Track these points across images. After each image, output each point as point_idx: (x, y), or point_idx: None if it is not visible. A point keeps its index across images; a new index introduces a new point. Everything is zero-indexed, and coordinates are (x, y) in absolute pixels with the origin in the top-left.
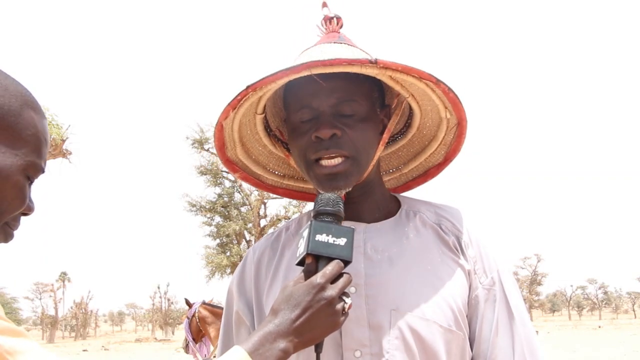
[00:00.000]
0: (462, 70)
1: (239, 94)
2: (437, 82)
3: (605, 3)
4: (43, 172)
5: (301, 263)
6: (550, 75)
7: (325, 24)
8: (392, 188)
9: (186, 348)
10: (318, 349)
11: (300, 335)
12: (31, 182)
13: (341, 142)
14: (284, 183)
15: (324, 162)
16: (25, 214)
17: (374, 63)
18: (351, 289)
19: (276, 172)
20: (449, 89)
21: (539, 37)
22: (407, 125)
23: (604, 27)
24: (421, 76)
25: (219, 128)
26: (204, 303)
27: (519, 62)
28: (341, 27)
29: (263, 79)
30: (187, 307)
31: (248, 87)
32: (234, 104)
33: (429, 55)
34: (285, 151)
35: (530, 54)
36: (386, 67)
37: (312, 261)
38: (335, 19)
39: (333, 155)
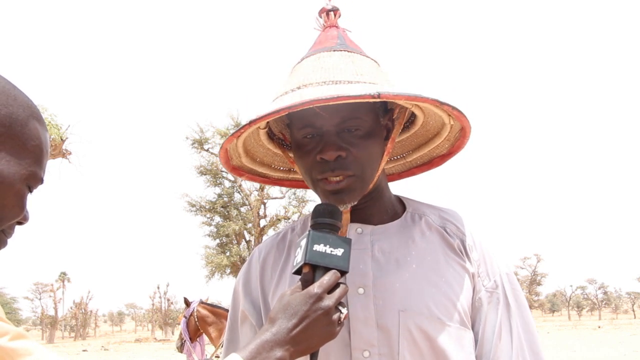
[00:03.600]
0: (464, 71)
1: (242, 127)
2: (442, 104)
3: (605, 3)
4: (42, 183)
5: (298, 272)
6: (553, 76)
7: (323, 17)
8: (397, 173)
9: (181, 347)
10: (313, 358)
11: (296, 344)
12: (30, 192)
13: (346, 163)
14: (289, 177)
15: (330, 179)
16: (20, 223)
17: (377, 97)
18: (359, 290)
19: (281, 168)
20: (453, 108)
21: (537, 37)
22: (411, 121)
23: (601, 27)
24: (425, 102)
25: (224, 150)
26: (201, 302)
27: (521, 62)
28: (339, 18)
29: (265, 115)
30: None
31: (251, 121)
32: (237, 135)
33: (429, 48)
34: (288, 154)
35: (539, 55)
36: (389, 99)
37: (309, 271)
38: (332, 11)
39: (338, 174)
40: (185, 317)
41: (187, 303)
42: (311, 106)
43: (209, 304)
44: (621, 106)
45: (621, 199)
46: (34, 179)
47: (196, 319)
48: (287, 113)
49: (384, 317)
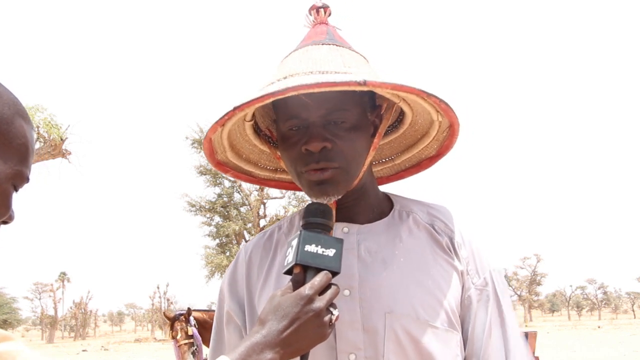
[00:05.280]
0: (461, 69)
1: (225, 114)
2: (429, 95)
3: (605, 3)
4: (28, 182)
5: (289, 272)
6: (553, 75)
7: (313, 14)
8: (385, 177)
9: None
10: None
11: (287, 346)
12: (16, 192)
13: (331, 155)
14: (275, 177)
15: (314, 170)
16: (5, 223)
17: (363, 84)
18: (345, 292)
19: (268, 167)
20: (440, 100)
21: (534, 35)
22: (399, 120)
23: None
24: (411, 92)
25: (208, 140)
26: (189, 309)
27: (521, 61)
28: (329, 15)
29: (249, 101)
30: (184, 310)
31: (235, 108)
32: (221, 123)
33: (423, 46)
34: (275, 151)
35: (539, 54)
36: (375, 87)
37: (301, 271)
38: (322, 8)
39: (323, 166)
40: (193, 326)
41: (190, 312)
42: (296, 93)
43: (201, 310)
44: (621, 106)
45: (621, 199)
46: (19, 178)
47: (196, 327)
48: (273, 105)
49: (370, 319)
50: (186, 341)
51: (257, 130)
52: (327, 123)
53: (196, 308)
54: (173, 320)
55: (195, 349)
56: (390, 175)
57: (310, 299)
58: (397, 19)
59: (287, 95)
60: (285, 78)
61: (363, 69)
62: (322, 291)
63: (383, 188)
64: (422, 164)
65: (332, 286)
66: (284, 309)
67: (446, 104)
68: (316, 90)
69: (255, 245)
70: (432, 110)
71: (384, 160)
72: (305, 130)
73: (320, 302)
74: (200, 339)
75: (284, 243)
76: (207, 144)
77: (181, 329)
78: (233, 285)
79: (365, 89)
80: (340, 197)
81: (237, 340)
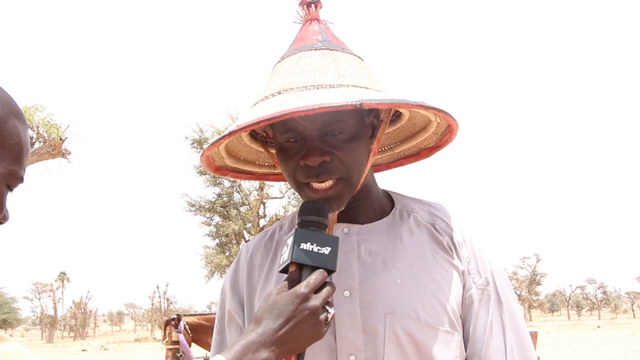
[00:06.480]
0: (463, 67)
1: (222, 137)
2: (426, 108)
3: (605, 3)
4: (22, 182)
5: (284, 271)
6: (552, 74)
7: (304, 9)
8: (385, 164)
9: None
10: (300, 358)
11: (282, 345)
12: (10, 192)
13: (331, 167)
14: (275, 171)
15: (315, 185)
16: (0, 223)
17: (359, 106)
18: (345, 293)
19: (266, 164)
20: (439, 110)
21: (534, 33)
22: (397, 115)
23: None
24: (409, 107)
25: (205, 157)
26: (187, 315)
27: (521, 60)
28: (320, 9)
29: (244, 126)
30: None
31: (231, 132)
32: (217, 145)
33: (420, 40)
34: (272, 153)
35: (539, 53)
36: (372, 107)
37: (296, 270)
38: (313, 4)
39: (323, 180)
40: (180, 332)
41: (180, 318)
42: (291, 116)
43: (196, 314)
44: (621, 106)
45: (621, 198)
46: (13, 178)
47: (189, 332)
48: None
49: (370, 320)
50: (171, 346)
51: (252, 133)
52: (325, 135)
53: (191, 313)
54: (166, 324)
55: (181, 356)
56: (389, 162)
57: (305, 297)
58: (392, 10)
59: (283, 117)
60: (279, 93)
61: (358, 76)
62: (317, 289)
63: (384, 178)
64: (421, 153)
65: (328, 284)
66: (280, 307)
67: (445, 112)
68: (312, 113)
69: (257, 245)
70: (430, 114)
71: (383, 149)
72: (303, 142)
73: (315, 301)
74: (186, 345)
75: (284, 242)
76: (205, 159)
77: (168, 333)
78: (234, 285)
79: (361, 107)
80: (343, 208)
81: None
